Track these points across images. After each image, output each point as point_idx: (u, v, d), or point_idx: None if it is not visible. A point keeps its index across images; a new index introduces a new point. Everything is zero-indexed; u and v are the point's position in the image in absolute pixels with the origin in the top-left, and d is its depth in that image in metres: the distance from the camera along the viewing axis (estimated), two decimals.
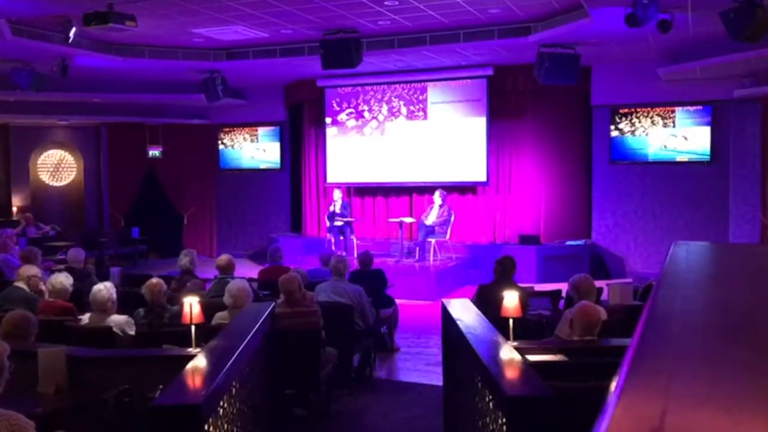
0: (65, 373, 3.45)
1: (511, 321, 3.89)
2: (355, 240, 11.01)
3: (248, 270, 9.61)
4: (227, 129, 13.48)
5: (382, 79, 11.66)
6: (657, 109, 10.35)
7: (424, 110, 11.62)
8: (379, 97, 11.91)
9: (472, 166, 11.28)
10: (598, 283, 5.05)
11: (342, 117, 12.21)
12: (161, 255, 13.30)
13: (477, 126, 11.21)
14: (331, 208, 11.12)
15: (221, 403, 2.82)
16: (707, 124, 10.11)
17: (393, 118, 11.86)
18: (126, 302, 5.10)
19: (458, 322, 3.75)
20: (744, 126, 9.85)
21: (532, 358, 3.37)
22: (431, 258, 10.39)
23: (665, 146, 10.37)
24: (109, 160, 13.91)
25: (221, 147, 13.56)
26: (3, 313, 4.24)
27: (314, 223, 12.83)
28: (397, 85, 11.71)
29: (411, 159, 11.71)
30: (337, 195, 11.29)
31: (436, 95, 11.52)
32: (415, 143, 11.68)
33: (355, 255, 9.78)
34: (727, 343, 1.04)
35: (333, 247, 10.65)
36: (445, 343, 4.86)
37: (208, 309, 4.46)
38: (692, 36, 8.25)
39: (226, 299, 4.73)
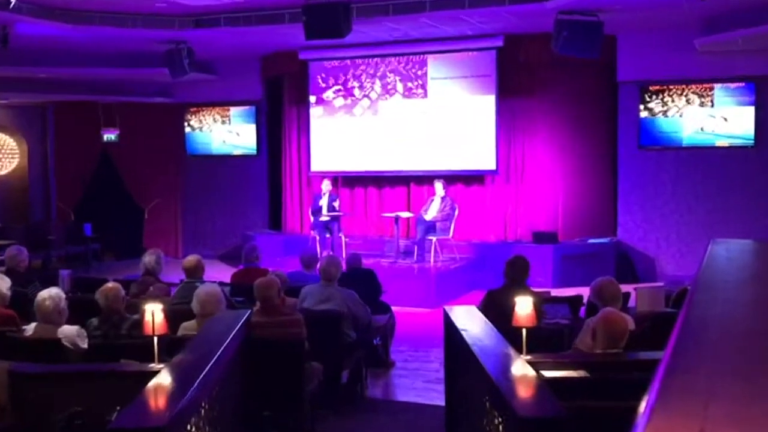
0: (7, 391, 3.44)
1: (524, 331, 3.90)
2: (343, 238, 11.00)
3: (219, 273, 9.57)
4: (195, 109, 13.42)
5: (375, 51, 11.62)
6: (693, 86, 10.36)
7: (424, 87, 11.60)
8: (372, 71, 11.89)
9: (479, 152, 11.28)
10: (625, 288, 5.07)
11: (328, 95, 12.18)
12: (118, 255, 13.26)
13: (485, 105, 11.21)
14: (321, 202, 11.09)
15: (188, 427, 2.82)
16: (750, 103, 10.13)
17: (387, 96, 11.84)
18: (77, 310, 5.08)
19: (463, 333, 3.75)
20: None
21: (547, 374, 3.38)
22: (432, 259, 10.40)
23: (702, 129, 10.39)
24: (57, 145, 13.84)
25: (188, 130, 13.51)
26: None
27: (296, 218, 12.80)
28: (393, 58, 11.69)
29: (408, 143, 11.70)
30: (326, 186, 11.25)
31: (437, 70, 11.51)
32: (413, 125, 11.67)
33: (344, 255, 9.76)
34: None
35: (318, 247, 10.64)
36: (447, 357, 4.86)
37: (173, 318, 4.45)
38: (734, 0, 8.26)
39: (193, 306, 4.73)
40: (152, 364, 3.72)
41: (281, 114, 13.02)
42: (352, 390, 5.90)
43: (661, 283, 8.90)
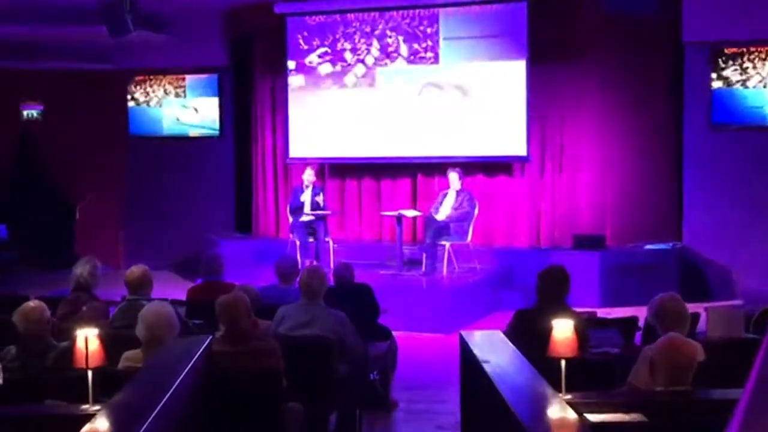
0: None
1: (563, 363, 3.90)
2: (331, 243, 11.00)
3: (172, 288, 9.56)
4: (140, 78, 13.41)
5: (372, 3, 11.64)
6: None
7: (434, 50, 11.60)
8: (368, 29, 11.88)
9: (506, 134, 11.28)
10: (693, 307, 5.06)
11: (312, 59, 12.17)
12: (42, 266, 13.22)
13: (513, 74, 11.20)
14: (303, 198, 11.05)
15: None
16: None
17: (388, 61, 11.83)
18: None
19: (485, 366, 3.75)
20: None
21: (593, 417, 3.38)
22: (444, 269, 10.40)
23: None
24: None
25: (132, 104, 13.50)
26: None
27: (270, 217, 12.80)
28: (394, 13, 11.69)
29: (414, 122, 11.70)
30: (309, 176, 11.22)
31: (451, 28, 11.50)
32: (421, 98, 11.68)
33: (331, 265, 9.74)
34: None
35: (298, 254, 10.63)
36: (465, 396, 4.86)
37: (112, 346, 4.44)
38: None
39: (138, 331, 4.72)
40: (85, 406, 3.72)
41: (251, 84, 13.00)
42: None
43: (739, 302, 8.90)
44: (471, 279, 10.33)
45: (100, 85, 13.45)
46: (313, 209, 10.99)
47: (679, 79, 10.98)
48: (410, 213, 11.00)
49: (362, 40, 11.92)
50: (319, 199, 11.09)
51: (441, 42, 11.56)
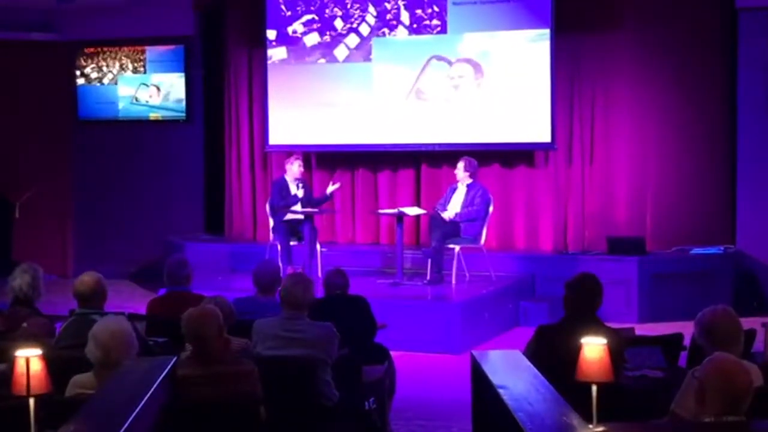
0: None
1: (594, 389, 3.90)
2: (318, 247, 10.98)
3: (129, 300, 9.57)
4: (91, 50, 13.39)
5: None
6: None
7: (441, 17, 11.58)
8: None
9: (527, 116, 11.26)
10: (748, 322, 5.06)
11: (296, 29, 12.15)
12: None
13: (534, 46, 11.19)
14: (295, 191, 10.98)
15: None
16: None
17: (386, 30, 11.82)
18: None
19: (501, 392, 3.75)
20: None
21: None
22: (453, 278, 10.39)
23: None
24: None
25: (81, 82, 13.48)
26: None
27: (246, 216, 12.80)
28: None
29: (418, 103, 11.71)
30: (296, 168, 11.10)
31: None
32: (426, 75, 11.65)
33: (320, 273, 9.73)
34: None
35: (279, 260, 10.62)
36: (477, 427, 4.86)
37: (58, 369, 4.44)
38: None
39: (89, 352, 4.72)
40: None
41: (224, 58, 12.99)
42: None
43: None
44: (485, 289, 10.31)
45: (44, 58, 13.42)
46: (307, 204, 10.88)
47: (731, 50, 10.97)
48: (412, 211, 10.99)
49: (356, 6, 11.90)
50: (309, 195, 11.01)
51: (449, 7, 11.53)
